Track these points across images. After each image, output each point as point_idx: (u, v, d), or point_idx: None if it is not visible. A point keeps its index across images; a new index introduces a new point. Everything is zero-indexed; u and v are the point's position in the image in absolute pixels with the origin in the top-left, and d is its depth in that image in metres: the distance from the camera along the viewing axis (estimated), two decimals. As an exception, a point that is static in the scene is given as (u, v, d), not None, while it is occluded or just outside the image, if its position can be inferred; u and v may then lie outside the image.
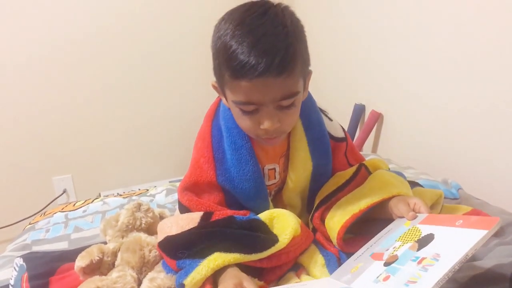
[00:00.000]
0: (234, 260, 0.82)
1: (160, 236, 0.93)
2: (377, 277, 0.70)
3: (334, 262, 0.89)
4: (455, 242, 0.66)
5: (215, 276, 0.82)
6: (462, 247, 0.63)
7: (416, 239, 0.74)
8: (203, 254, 0.83)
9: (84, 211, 1.40)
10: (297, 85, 0.82)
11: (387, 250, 0.77)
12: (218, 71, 0.83)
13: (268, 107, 0.81)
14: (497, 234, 0.93)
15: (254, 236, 0.87)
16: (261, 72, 0.75)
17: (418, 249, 0.71)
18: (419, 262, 0.67)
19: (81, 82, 2.24)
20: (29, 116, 2.19)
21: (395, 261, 0.72)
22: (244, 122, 0.86)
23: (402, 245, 0.75)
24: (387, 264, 0.73)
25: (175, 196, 1.39)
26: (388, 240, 0.80)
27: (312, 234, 0.97)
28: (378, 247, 0.80)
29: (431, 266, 0.64)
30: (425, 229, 0.76)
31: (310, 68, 0.88)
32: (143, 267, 0.95)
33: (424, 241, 0.72)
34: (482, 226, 0.66)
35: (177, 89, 2.41)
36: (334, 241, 0.91)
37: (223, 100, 0.91)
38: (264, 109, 0.82)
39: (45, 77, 2.17)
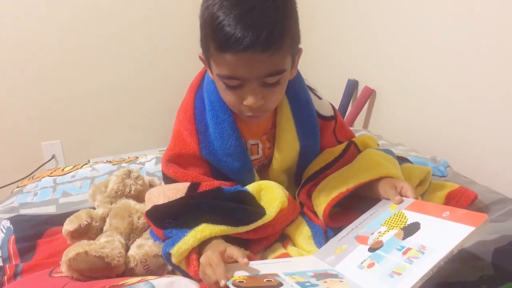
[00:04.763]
0: (221, 232, 0.82)
1: (148, 205, 0.93)
2: (362, 263, 0.70)
3: (321, 234, 0.90)
4: (441, 236, 0.66)
5: (201, 246, 0.82)
6: (448, 243, 0.63)
7: (401, 226, 0.74)
8: (190, 224, 0.82)
9: (73, 176, 1.39)
10: (284, 62, 0.80)
11: (372, 234, 0.77)
12: (205, 43, 0.82)
13: (253, 83, 0.80)
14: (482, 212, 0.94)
15: (242, 209, 0.87)
16: (246, 46, 0.73)
17: (404, 238, 0.71)
18: (404, 253, 0.67)
19: (72, 49, 2.21)
20: (19, 82, 2.17)
21: (380, 247, 0.72)
22: (228, 97, 0.85)
23: (388, 231, 0.75)
24: (372, 249, 0.73)
25: (165, 164, 1.38)
26: (373, 223, 0.80)
27: (299, 206, 0.97)
28: (363, 230, 0.80)
29: (416, 258, 0.64)
30: (411, 216, 0.75)
31: (300, 46, 0.86)
32: (131, 234, 0.95)
33: (409, 230, 0.72)
34: (469, 222, 0.65)
35: (168, 57, 2.38)
36: (321, 217, 0.92)
37: (209, 72, 0.89)
38: (248, 85, 0.80)
39: (36, 45, 2.15)
